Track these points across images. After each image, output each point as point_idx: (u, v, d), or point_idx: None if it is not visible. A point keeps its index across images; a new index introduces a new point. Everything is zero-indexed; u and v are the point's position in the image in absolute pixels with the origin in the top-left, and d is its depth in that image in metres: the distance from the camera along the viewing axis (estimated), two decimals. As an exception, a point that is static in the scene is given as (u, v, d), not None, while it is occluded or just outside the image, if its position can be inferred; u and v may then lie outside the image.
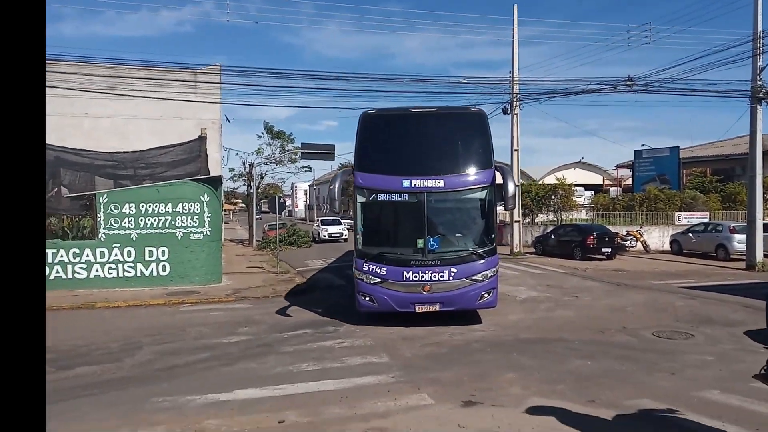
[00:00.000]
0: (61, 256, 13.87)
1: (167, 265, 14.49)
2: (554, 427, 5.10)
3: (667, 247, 24.53)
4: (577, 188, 37.13)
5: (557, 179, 33.30)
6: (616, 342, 8.55)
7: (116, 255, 14.17)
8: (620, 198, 34.01)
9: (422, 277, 9.28)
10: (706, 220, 25.93)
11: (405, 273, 9.30)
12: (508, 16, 23.98)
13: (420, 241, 9.42)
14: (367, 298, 9.54)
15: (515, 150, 23.92)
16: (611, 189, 46.31)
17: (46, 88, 14.52)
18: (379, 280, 9.42)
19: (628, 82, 20.24)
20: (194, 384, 6.60)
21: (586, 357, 7.58)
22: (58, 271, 13.83)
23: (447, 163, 9.77)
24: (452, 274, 9.30)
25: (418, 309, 9.35)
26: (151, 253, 14.39)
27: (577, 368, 7.06)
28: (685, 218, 27.10)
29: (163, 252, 14.35)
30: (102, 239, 14.14)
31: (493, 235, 9.65)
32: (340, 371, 7.03)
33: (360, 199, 9.68)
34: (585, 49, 78.35)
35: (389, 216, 10.02)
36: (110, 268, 14.15)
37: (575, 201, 32.16)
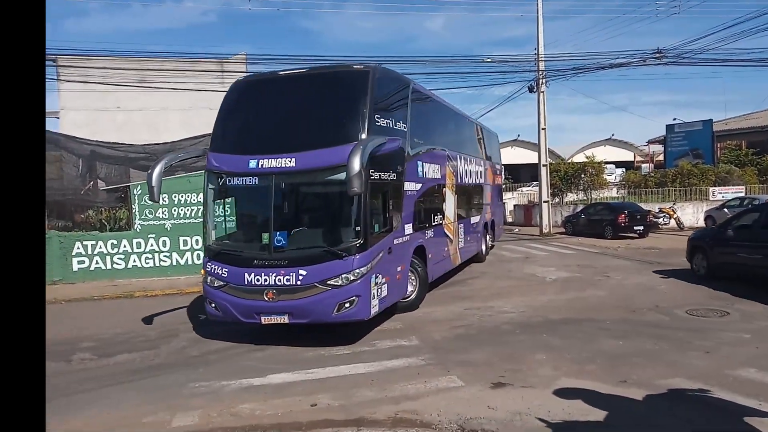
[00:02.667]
0: (100, 247, 14.26)
1: (201, 253, 14.77)
2: (585, 408, 5.11)
3: (701, 223, 23.97)
4: (608, 166, 36.50)
5: (587, 157, 32.78)
6: (647, 321, 8.47)
7: (152, 245, 14.49)
8: (652, 174, 33.28)
9: (265, 280, 7.39)
10: (742, 194, 25.25)
11: (247, 275, 7.48)
12: (532, -8, 23.45)
13: (265, 236, 7.75)
14: (213, 305, 7.91)
15: (542, 129, 23.59)
16: (643, 165, 45.42)
17: (79, 83, 14.91)
18: (222, 283, 7.75)
19: (657, 55, 19.76)
20: (228, 369, 6.78)
21: (617, 336, 7.54)
22: (97, 262, 14.23)
23: (305, 138, 7.73)
24: (300, 277, 7.29)
25: (264, 320, 7.53)
26: (185, 243, 14.68)
27: (608, 348, 7.02)
28: (720, 193, 26.42)
29: (196, 241, 14.65)
30: (138, 230, 14.48)
31: (366, 227, 7.44)
32: (370, 355, 7.13)
33: (209, 184, 8.23)
34: (612, 22, 76.38)
35: (236, 204, 8.50)
36: (147, 258, 14.50)
37: (605, 179, 31.62)
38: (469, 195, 14.22)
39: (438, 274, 11.31)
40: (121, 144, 14.70)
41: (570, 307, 9.62)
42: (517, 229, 27.29)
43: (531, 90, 23.37)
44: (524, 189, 37.51)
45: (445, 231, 11.69)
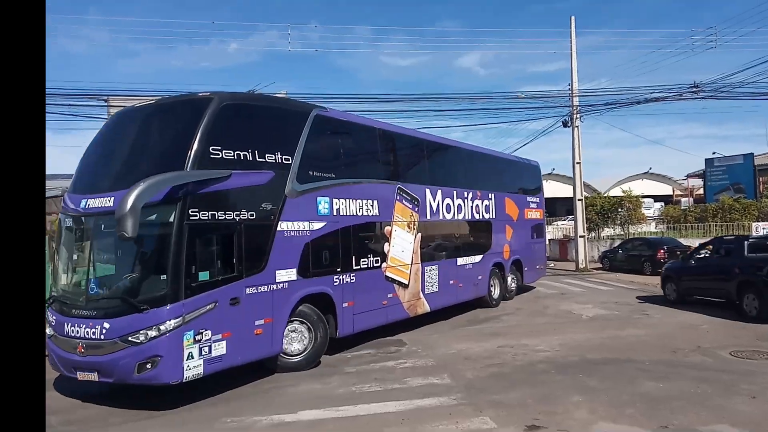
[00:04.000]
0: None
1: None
2: (623, 453, 4.92)
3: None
4: (645, 200, 35.82)
5: (623, 191, 32.31)
6: (690, 362, 8.17)
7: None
8: (692, 209, 32.50)
9: (77, 332, 6.69)
10: (788, 230, 24.39)
11: (66, 325, 6.84)
12: (565, 28, 23.62)
13: (83, 283, 7.12)
14: (47, 356, 7.08)
15: (577, 163, 23.43)
16: (682, 200, 44.37)
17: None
18: (51, 332, 7.13)
19: (694, 89, 19.52)
20: (260, 404, 6.78)
21: (657, 378, 7.28)
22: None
23: (129, 175, 6.78)
24: (104, 331, 6.50)
25: (80, 377, 6.75)
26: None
27: (648, 391, 6.79)
28: (764, 228, 25.57)
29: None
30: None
31: (179, 275, 6.48)
32: (401, 393, 7.05)
33: (60, 225, 7.75)
34: (647, 57, 76.00)
35: (66, 247, 7.59)
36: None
37: (643, 213, 31.03)
38: (453, 233, 12.54)
39: (369, 326, 9.82)
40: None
41: (607, 347, 9.35)
42: (552, 264, 26.84)
43: (565, 125, 23.31)
44: (559, 223, 37.00)
45: (390, 275, 10.20)
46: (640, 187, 39.46)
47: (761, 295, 11.02)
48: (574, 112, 22.90)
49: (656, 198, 44.15)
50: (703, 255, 13.74)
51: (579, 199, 23.58)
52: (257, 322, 7.44)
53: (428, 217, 11.40)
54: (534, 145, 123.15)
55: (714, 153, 36.66)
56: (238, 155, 7.33)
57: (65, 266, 7.53)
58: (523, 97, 22.94)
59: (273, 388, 7.54)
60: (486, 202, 13.80)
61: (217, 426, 6.06)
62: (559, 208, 47.00)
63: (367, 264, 9.66)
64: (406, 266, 10.66)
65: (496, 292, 14.26)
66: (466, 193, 12.94)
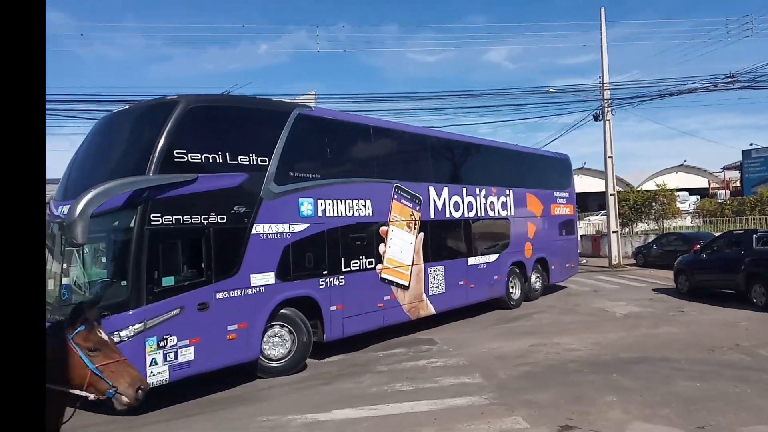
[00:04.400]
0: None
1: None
2: (658, 454, 4.88)
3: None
4: (680, 193, 35.06)
5: (657, 185, 31.66)
6: (728, 361, 8.01)
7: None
8: (729, 202, 31.68)
9: None
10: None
11: None
12: (594, 20, 23.25)
13: (58, 289, 7.11)
14: None
15: (609, 157, 23.05)
16: (719, 193, 43.27)
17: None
18: None
19: (729, 79, 19.03)
20: (295, 403, 6.90)
21: (694, 378, 7.16)
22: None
23: (93, 181, 6.55)
24: None
25: None
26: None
27: (683, 390, 6.69)
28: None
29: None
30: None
31: (139, 281, 6.45)
32: (433, 392, 7.09)
33: None
34: (680, 47, 74.06)
35: (49, 252, 7.43)
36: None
37: (678, 207, 30.38)
38: (462, 232, 12.07)
39: (362, 330, 9.53)
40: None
41: (642, 345, 9.22)
42: (584, 261, 26.46)
43: (596, 118, 22.95)
44: (591, 218, 36.47)
45: (386, 277, 9.89)
46: (674, 181, 38.57)
47: None
48: (605, 105, 22.53)
49: (691, 191, 43.16)
50: (714, 249, 14.14)
51: (611, 194, 23.21)
52: (230, 328, 7.32)
53: (432, 216, 11.02)
54: (564, 139, 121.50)
55: (751, 144, 35.81)
56: (207, 158, 7.25)
57: (48, 272, 7.35)
58: (554, 92, 22.69)
59: (306, 387, 7.67)
60: (503, 198, 13.24)
61: (252, 425, 6.20)
62: (591, 203, 46.30)
63: (359, 266, 9.40)
64: (406, 267, 10.34)
65: (516, 293, 13.71)
66: (478, 190, 12.45)
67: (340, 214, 9.09)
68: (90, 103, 16.28)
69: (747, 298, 12.20)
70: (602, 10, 22.88)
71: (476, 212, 12.35)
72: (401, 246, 10.26)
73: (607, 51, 22.74)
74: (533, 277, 14.51)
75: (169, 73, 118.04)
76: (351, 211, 9.30)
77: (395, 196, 10.17)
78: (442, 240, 11.50)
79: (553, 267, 15.19)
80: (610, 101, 22.55)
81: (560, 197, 15.87)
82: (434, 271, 11.02)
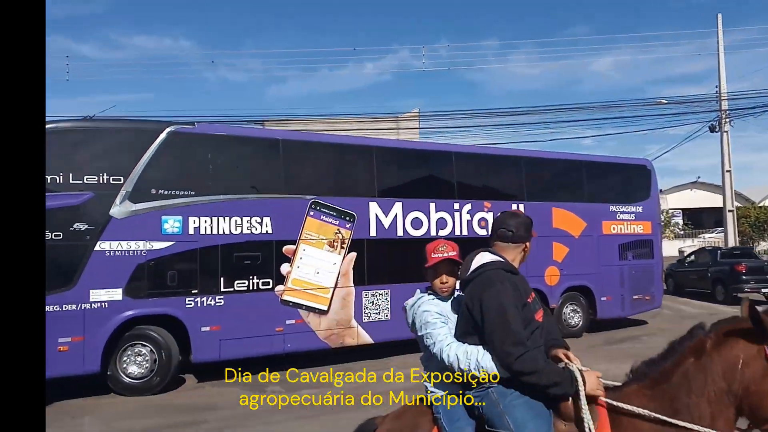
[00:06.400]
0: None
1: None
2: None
3: None
4: (811, 210, 31.97)
5: (783, 201, 29.10)
6: None
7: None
8: None
9: None
10: None
11: None
12: (708, 28, 21.95)
13: None
14: None
15: (727, 171, 21.69)
16: None
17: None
18: None
19: None
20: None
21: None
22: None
23: None
24: None
25: None
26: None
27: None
28: None
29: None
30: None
31: None
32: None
33: None
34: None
35: None
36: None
37: (809, 224, 27.75)
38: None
39: (248, 354, 8.85)
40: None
41: None
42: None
43: (713, 130, 21.65)
44: (706, 236, 34.15)
45: (291, 299, 9.13)
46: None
47: (726, 287, 16.99)
48: (723, 116, 21.19)
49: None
50: (692, 260, 19.67)
51: (730, 210, 21.73)
52: (61, 340, 7.54)
53: (373, 234, 9.87)
54: (676, 151, 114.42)
55: None
56: (47, 179, 7.63)
57: None
58: (664, 103, 21.66)
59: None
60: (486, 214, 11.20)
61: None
62: (706, 219, 43.37)
63: (248, 286, 8.86)
64: (326, 290, 9.41)
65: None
66: (457, 205, 10.80)
67: (222, 232, 8.71)
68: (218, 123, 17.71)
69: (712, 296, 17.44)
70: (719, 16, 21.70)
71: (452, 230, 10.66)
72: (318, 266, 9.38)
73: (725, 58, 21.44)
74: (568, 309, 12.04)
75: (285, 93, 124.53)
76: (239, 228, 8.86)
77: (312, 213, 9.38)
78: (389, 261, 10.12)
79: (604, 298, 12.41)
80: (727, 111, 21.19)
81: (624, 212, 12.94)
82: (372, 295, 9.86)
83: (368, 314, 9.82)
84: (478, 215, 10.99)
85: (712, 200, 38.01)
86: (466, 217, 10.86)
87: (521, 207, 11.24)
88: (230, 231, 8.80)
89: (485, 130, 22.49)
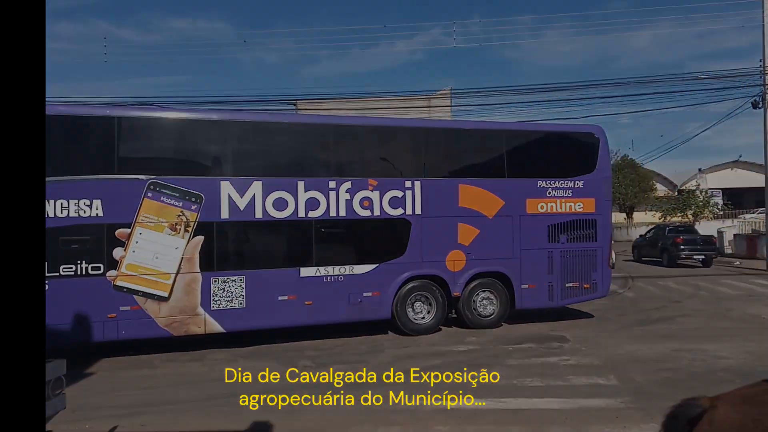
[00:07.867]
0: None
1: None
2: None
3: None
4: None
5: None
6: None
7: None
8: None
9: None
10: None
11: None
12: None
13: None
14: None
15: (771, 148, 20.71)
16: None
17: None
18: None
19: None
20: (426, 390, 7.10)
21: None
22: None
23: None
24: None
25: None
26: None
27: None
28: None
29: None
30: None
31: None
32: (563, 390, 6.96)
33: None
34: None
35: None
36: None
37: None
38: (286, 236, 10.02)
39: (79, 340, 8.72)
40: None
41: (806, 359, 8.33)
42: (737, 262, 24.15)
43: (755, 106, 20.75)
44: (747, 216, 33.04)
45: (125, 285, 8.84)
46: None
47: (669, 255, 23.30)
48: (766, 91, 20.26)
49: None
50: (650, 236, 26.06)
51: None
52: None
53: (225, 216, 9.36)
54: (718, 128, 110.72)
55: None
56: None
57: None
58: (704, 78, 20.81)
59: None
60: (395, 193, 10.30)
61: (388, 407, 6.48)
62: (747, 199, 41.99)
63: (75, 271, 8.56)
64: (166, 276, 9.05)
65: (420, 316, 10.55)
66: (333, 184, 10.00)
67: (46, 215, 8.38)
68: (252, 103, 17.81)
69: (660, 262, 23.97)
70: (766, -15, 20.51)
71: (327, 212, 9.93)
72: (157, 251, 9.01)
73: (772, 30, 20.38)
74: (479, 297, 10.91)
75: (319, 73, 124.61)
76: (65, 211, 8.55)
77: (149, 194, 8.98)
78: (245, 245, 9.89)
79: (525, 286, 11.04)
80: (773, 86, 20.24)
81: (557, 188, 11.27)
82: (225, 282, 9.38)
83: (218, 302, 9.35)
84: (361, 194, 10.16)
85: (753, 180, 36.77)
86: (344, 196, 10.08)
87: (417, 184, 10.42)
88: (55, 214, 8.50)
89: (518, 107, 22.08)
